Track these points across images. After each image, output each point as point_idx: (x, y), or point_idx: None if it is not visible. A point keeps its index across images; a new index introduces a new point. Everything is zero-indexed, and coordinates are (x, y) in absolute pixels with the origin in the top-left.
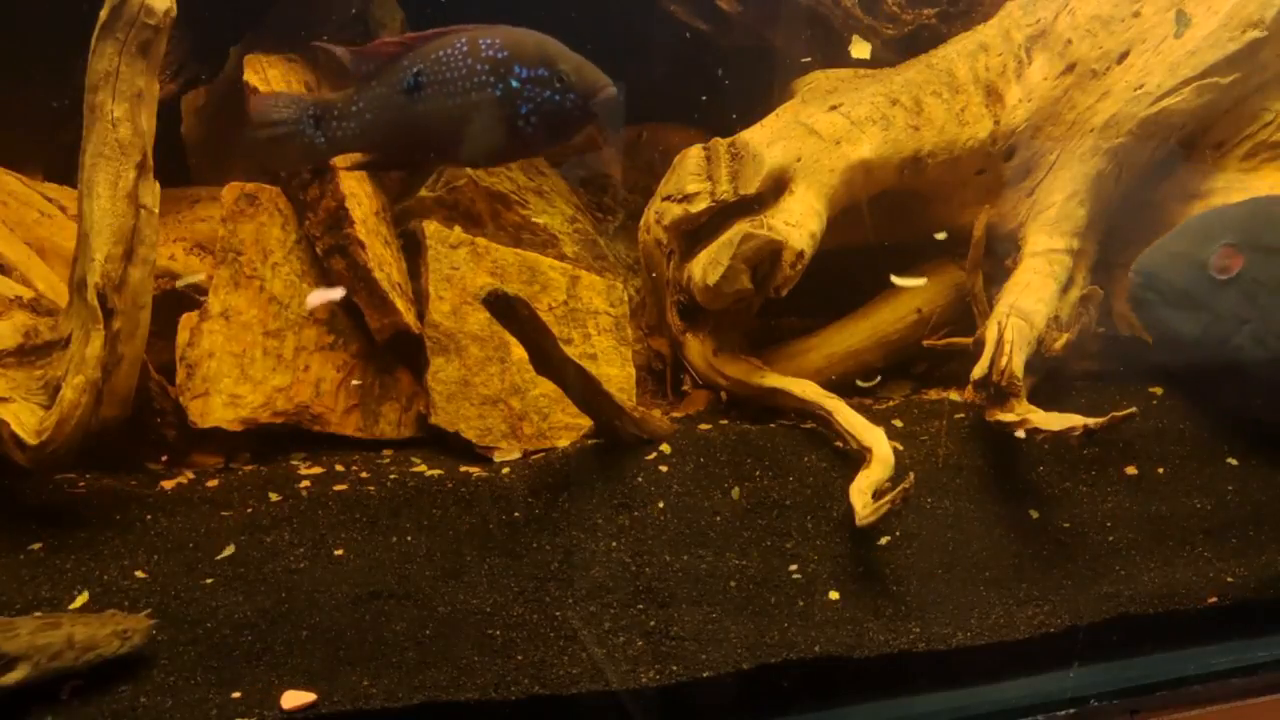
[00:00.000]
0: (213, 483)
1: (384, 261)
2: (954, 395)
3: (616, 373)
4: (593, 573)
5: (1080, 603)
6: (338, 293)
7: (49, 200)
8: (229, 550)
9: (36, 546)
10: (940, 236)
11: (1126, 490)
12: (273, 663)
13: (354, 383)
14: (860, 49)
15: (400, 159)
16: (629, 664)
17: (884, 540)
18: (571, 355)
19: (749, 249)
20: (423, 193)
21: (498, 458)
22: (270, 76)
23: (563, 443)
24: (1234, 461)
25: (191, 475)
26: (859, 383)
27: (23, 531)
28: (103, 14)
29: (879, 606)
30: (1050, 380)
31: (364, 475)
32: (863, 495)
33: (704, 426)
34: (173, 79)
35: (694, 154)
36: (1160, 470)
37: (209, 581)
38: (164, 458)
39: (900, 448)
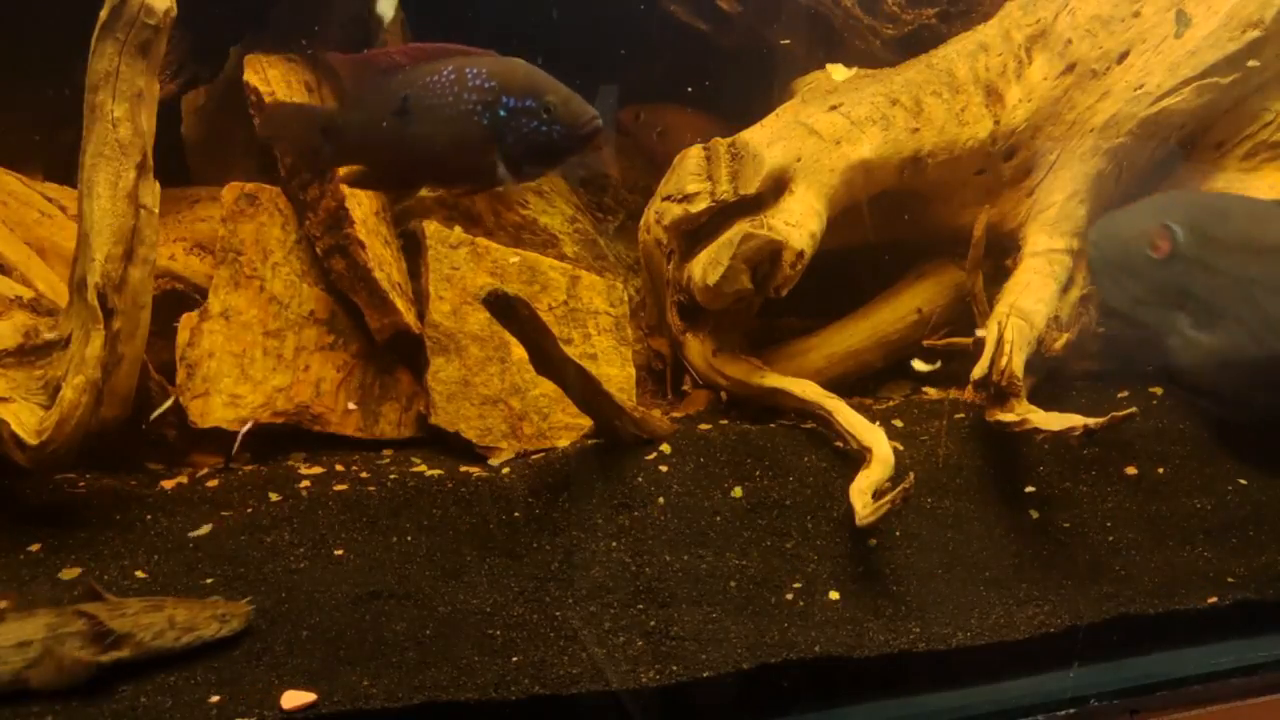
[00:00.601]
0: (213, 483)
1: (384, 261)
2: (931, 392)
3: (616, 373)
4: (593, 573)
5: (1080, 603)
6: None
7: (49, 200)
8: (205, 529)
9: (36, 547)
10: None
11: (1126, 490)
12: (273, 663)
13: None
14: (839, 73)
15: (389, 179)
16: (629, 664)
17: (884, 540)
18: (571, 355)
19: (749, 249)
20: (423, 192)
21: (493, 460)
22: (270, 76)
23: (563, 443)
24: (1234, 461)
25: (191, 475)
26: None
27: (23, 531)
28: (103, 14)
29: (879, 606)
30: (1050, 380)
31: (364, 475)
32: (863, 495)
33: (704, 426)
34: (173, 79)
35: (694, 154)
36: (1160, 470)
37: (209, 581)
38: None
39: (900, 448)
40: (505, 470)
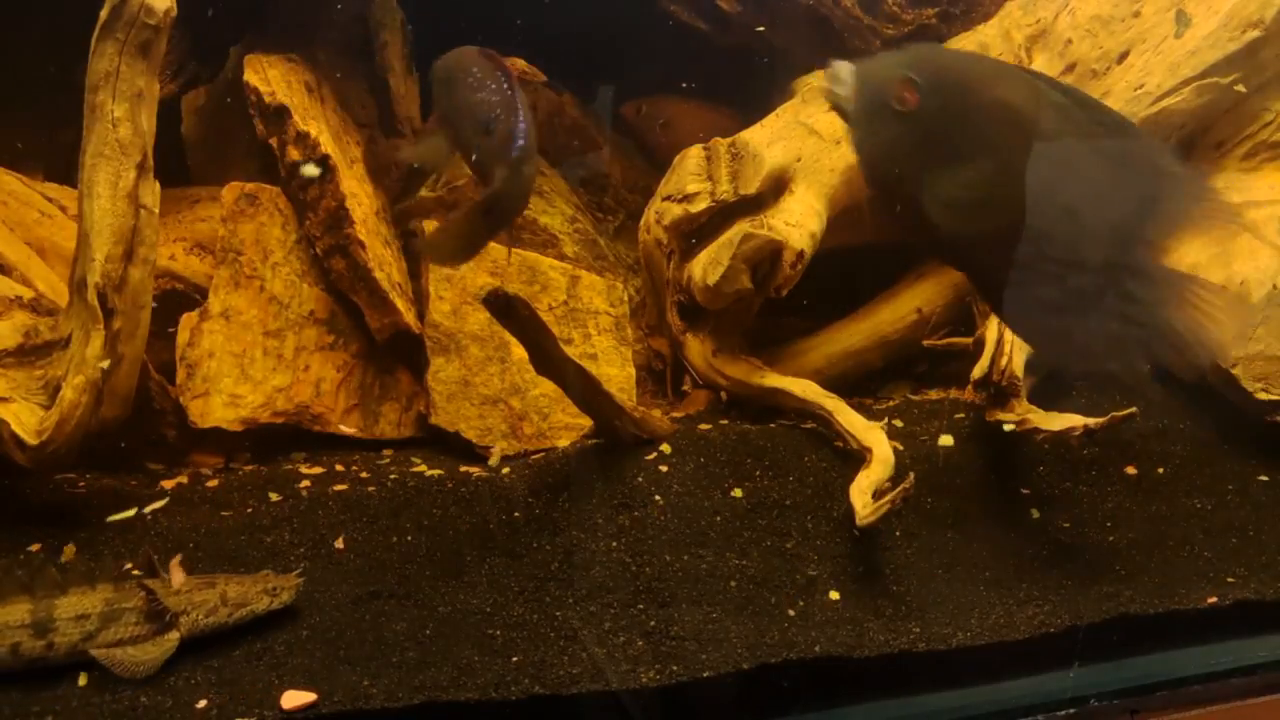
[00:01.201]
0: (213, 483)
1: (384, 261)
2: (931, 392)
3: (616, 373)
4: (593, 573)
5: (1080, 603)
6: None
7: (49, 200)
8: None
9: (36, 547)
10: None
11: (1126, 490)
12: (273, 663)
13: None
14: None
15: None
16: (629, 664)
17: (884, 540)
18: (571, 355)
19: (749, 249)
20: (423, 193)
21: (492, 461)
22: (270, 76)
23: (563, 443)
24: (1234, 461)
25: (191, 475)
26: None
27: (23, 532)
28: (103, 14)
29: (879, 606)
30: (1050, 380)
31: (364, 475)
32: (863, 495)
33: (704, 426)
34: (173, 79)
35: (694, 154)
36: (1160, 470)
37: None
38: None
39: (900, 448)
40: (505, 470)
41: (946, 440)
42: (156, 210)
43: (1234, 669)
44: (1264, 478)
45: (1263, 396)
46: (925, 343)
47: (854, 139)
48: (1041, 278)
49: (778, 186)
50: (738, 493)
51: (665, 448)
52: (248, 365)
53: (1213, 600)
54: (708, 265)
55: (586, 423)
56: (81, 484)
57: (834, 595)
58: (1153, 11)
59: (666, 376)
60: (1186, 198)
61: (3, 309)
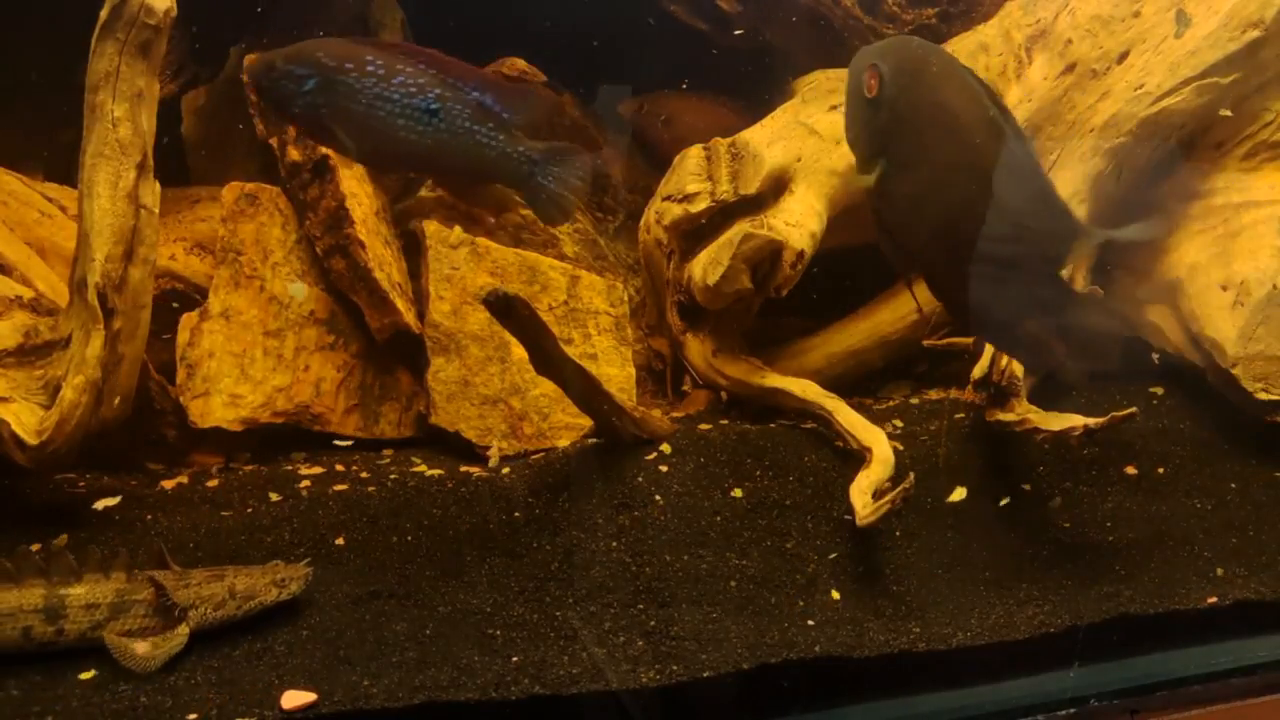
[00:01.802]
0: (213, 483)
1: (384, 261)
2: (931, 392)
3: (616, 373)
4: (593, 573)
5: (1080, 603)
6: None
7: (49, 200)
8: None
9: (36, 547)
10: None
11: (1126, 490)
12: (273, 662)
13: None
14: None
15: None
16: (629, 664)
17: (884, 540)
18: (571, 355)
19: (749, 249)
20: (423, 193)
21: (490, 462)
22: None
23: (563, 443)
24: (1234, 461)
25: (191, 475)
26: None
27: (23, 532)
28: (103, 14)
29: (879, 606)
30: (1050, 380)
31: (364, 475)
32: (863, 495)
33: (704, 426)
34: (173, 79)
35: (694, 154)
36: (1160, 470)
37: None
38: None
39: (900, 448)
40: (505, 470)
41: (959, 494)
42: (156, 210)
43: (1234, 669)
44: (1264, 478)
45: (1263, 396)
46: (925, 343)
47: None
48: (974, 278)
49: (778, 186)
50: (738, 493)
51: (665, 448)
52: (248, 365)
53: (1213, 600)
54: (708, 265)
55: (586, 423)
56: (81, 484)
57: (834, 595)
58: (1153, 11)
59: (666, 376)
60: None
61: (3, 309)
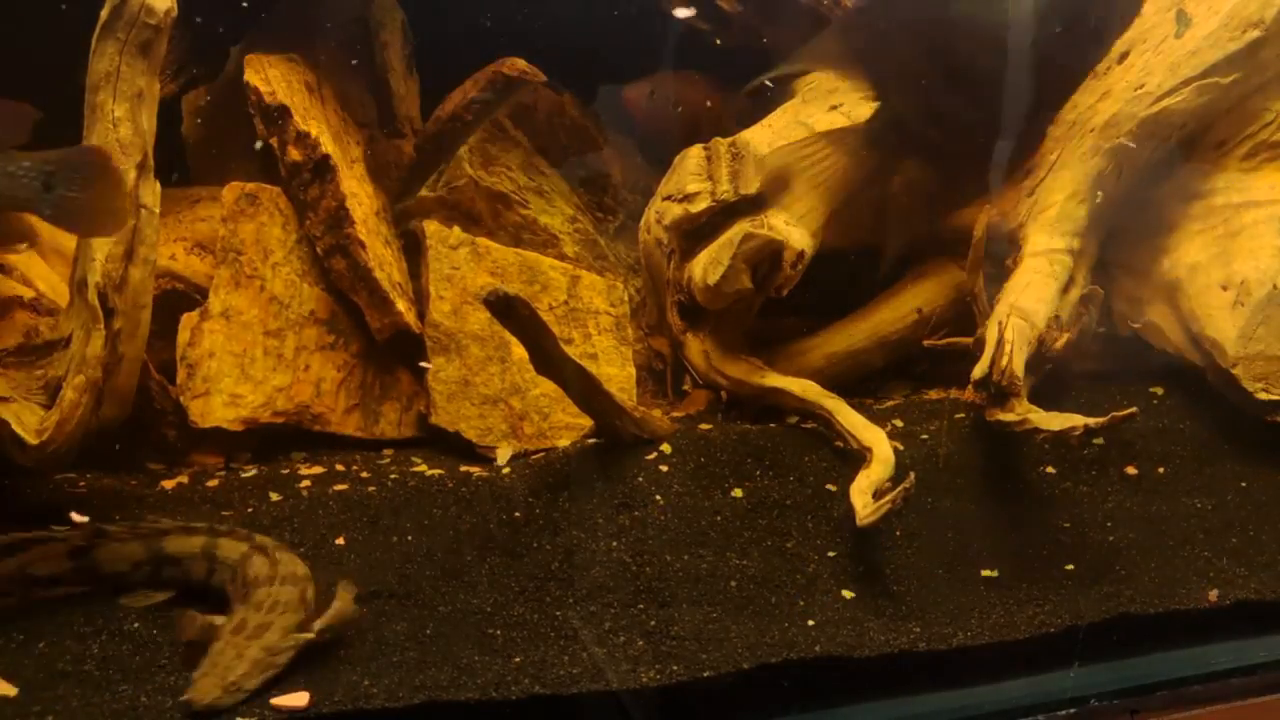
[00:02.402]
0: (213, 483)
1: (384, 261)
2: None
3: (617, 372)
4: (593, 572)
5: (1080, 603)
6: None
7: None
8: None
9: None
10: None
11: (1126, 490)
12: None
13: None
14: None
15: None
16: (629, 664)
17: (884, 540)
18: (572, 355)
19: (750, 248)
20: (423, 192)
21: (499, 460)
22: (270, 76)
23: (563, 443)
24: (1234, 461)
25: (191, 475)
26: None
27: (22, 532)
28: (103, 14)
29: (879, 606)
30: (1050, 380)
31: (364, 475)
32: (863, 495)
33: (704, 426)
34: (173, 79)
35: (694, 154)
36: (1160, 470)
37: None
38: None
39: (900, 447)
40: (505, 470)
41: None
42: (157, 210)
43: (1234, 669)
44: (1264, 478)
45: (1263, 396)
46: (925, 343)
47: None
48: None
49: (778, 186)
50: (738, 493)
51: (665, 448)
52: (248, 365)
53: (1213, 600)
54: (708, 265)
55: (586, 423)
56: (82, 484)
57: (834, 595)
58: (1153, 11)
59: (666, 376)
60: None
61: (3, 309)
